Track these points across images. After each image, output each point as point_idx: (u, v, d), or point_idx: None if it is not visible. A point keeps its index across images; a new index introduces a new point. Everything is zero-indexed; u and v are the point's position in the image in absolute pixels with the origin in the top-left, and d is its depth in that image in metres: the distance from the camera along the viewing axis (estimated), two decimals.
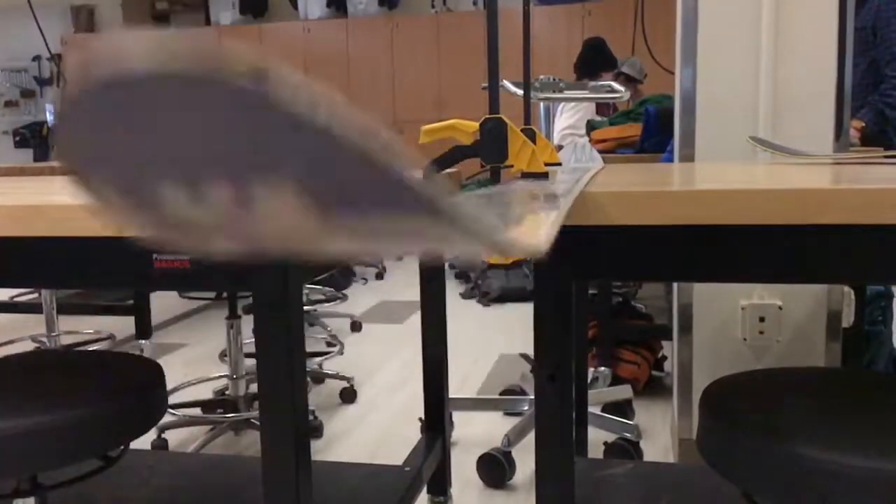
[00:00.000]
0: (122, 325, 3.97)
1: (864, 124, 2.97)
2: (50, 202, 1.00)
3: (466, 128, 1.06)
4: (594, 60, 4.19)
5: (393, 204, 0.20)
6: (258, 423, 1.04)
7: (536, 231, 0.35)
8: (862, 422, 0.93)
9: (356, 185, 0.20)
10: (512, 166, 1.06)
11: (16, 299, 4.36)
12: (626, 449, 2.29)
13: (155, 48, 0.18)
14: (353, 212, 0.21)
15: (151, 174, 0.21)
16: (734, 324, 2.04)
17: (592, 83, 2.70)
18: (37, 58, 8.57)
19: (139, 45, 0.18)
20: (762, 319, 1.99)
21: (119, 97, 0.19)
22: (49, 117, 8.68)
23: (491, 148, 1.02)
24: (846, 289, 2.01)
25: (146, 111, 0.19)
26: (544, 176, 1.05)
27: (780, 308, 1.98)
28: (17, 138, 8.76)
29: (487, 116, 1.04)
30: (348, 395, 2.98)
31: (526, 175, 1.05)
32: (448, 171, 1.21)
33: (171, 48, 0.18)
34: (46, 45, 3.30)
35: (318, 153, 0.19)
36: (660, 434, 2.54)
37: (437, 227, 0.21)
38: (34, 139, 8.72)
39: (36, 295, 4.15)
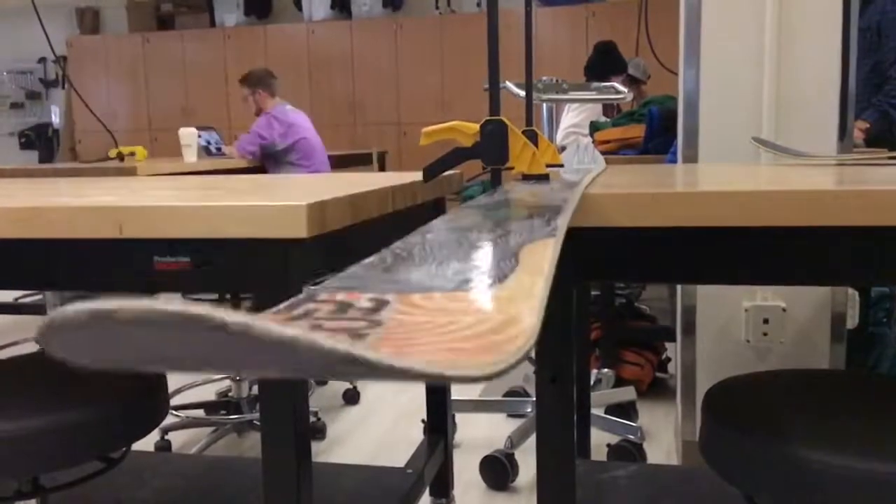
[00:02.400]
0: None
1: (868, 125, 2.96)
2: (54, 204, 1.00)
3: (467, 129, 1.06)
4: (604, 64, 4.18)
5: (374, 376, 0.25)
6: (260, 424, 1.04)
7: (520, 313, 0.34)
8: (866, 424, 0.93)
9: (334, 371, 0.24)
10: (513, 168, 1.05)
11: (19, 301, 4.37)
12: (629, 451, 2.29)
13: (137, 306, 0.21)
14: (337, 377, 0.26)
15: (146, 366, 0.25)
16: (738, 326, 2.03)
17: (597, 84, 2.69)
18: (42, 60, 8.59)
19: (124, 302, 0.22)
20: (766, 321, 1.98)
21: (101, 327, 0.22)
22: (54, 119, 8.70)
23: (491, 150, 1.02)
24: (850, 290, 2.00)
25: (130, 338, 0.23)
26: (545, 178, 1.05)
27: (783, 310, 1.97)
28: (23, 140, 8.78)
29: (488, 118, 1.04)
30: (351, 397, 2.98)
31: (527, 177, 1.05)
32: (449, 172, 1.21)
33: (153, 307, 0.21)
34: (51, 47, 3.30)
35: (299, 358, 0.23)
36: (663, 436, 2.53)
37: (410, 379, 0.25)
38: (39, 141, 8.75)
39: (40, 297, 4.16)
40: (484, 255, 0.44)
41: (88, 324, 0.22)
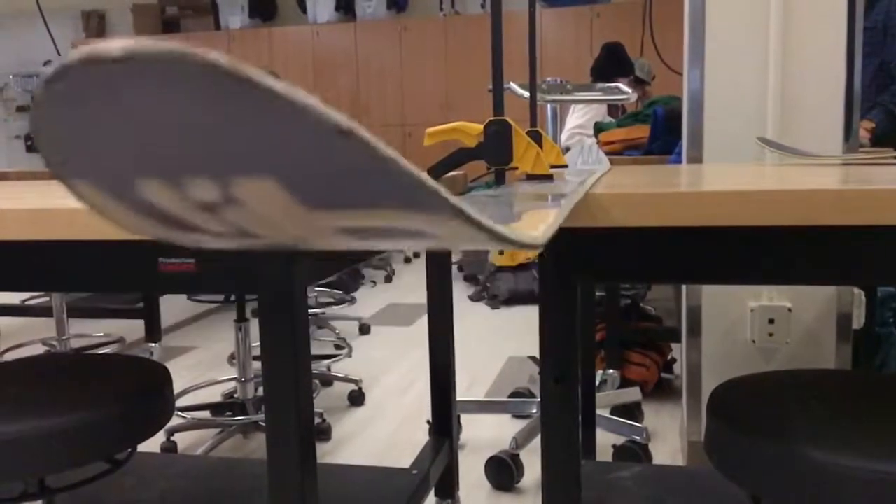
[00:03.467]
0: (132, 329, 3.99)
1: (874, 125, 2.95)
2: (59, 206, 1.01)
3: (471, 130, 1.06)
4: (610, 65, 4.18)
5: (386, 199, 0.20)
6: (265, 425, 1.04)
7: (536, 224, 0.34)
8: (872, 425, 0.92)
9: (344, 181, 0.20)
10: (517, 168, 1.05)
11: (27, 303, 4.39)
12: (634, 452, 2.28)
13: (130, 42, 0.19)
14: (343, 209, 0.21)
15: (131, 173, 0.21)
16: (743, 326, 2.02)
17: (601, 85, 2.69)
18: (48, 63, 8.61)
19: (115, 42, 0.19)
20: (771, 321, 1.98)
21: (93, 81, 0.19)
22: None
23: (495, 150, 1.02)
24: (856, 290, 2.00)
25: (120, 97, 0.19)
26: (549, 178, 1.05)
27: (789, 310, 1.97)
28: (29, 143, 8.81)
29: (492, 119, 1.04)
30: (356, 398, 2.99)
31: (531, 177, 1.05)
32: (453, 173, 1.21)
33: (145, 42, 0.19)
34: (57, 50, 3.32)
35: (300, 147, 0.19)
36: (669, 437, 2.53)
37: (433, 222, 0.21)
38: None
39: (46, 298, 4.17)
40: (492, 213, 0.44)
41: (78, 70, 0.19)
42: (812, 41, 1.91)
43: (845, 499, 0.84)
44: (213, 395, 3.04)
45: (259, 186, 0.21)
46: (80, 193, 0.23)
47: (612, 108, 4.16)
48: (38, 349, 3.83)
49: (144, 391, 1.18)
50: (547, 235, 0.29)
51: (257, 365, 2.83)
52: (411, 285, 5.54)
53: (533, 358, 3.36)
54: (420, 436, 2.62)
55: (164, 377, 1.24)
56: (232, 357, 3.43)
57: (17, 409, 1.08)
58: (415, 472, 1.66)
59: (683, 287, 2.15)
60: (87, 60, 0.19)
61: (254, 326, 2.62)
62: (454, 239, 0.23)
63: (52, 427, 1.05)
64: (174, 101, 0.19)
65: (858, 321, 2.01)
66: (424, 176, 0.21)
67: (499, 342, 3.85)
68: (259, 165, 0.20)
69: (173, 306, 4.66)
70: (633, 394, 2.63)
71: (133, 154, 0.20)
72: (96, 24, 8.30)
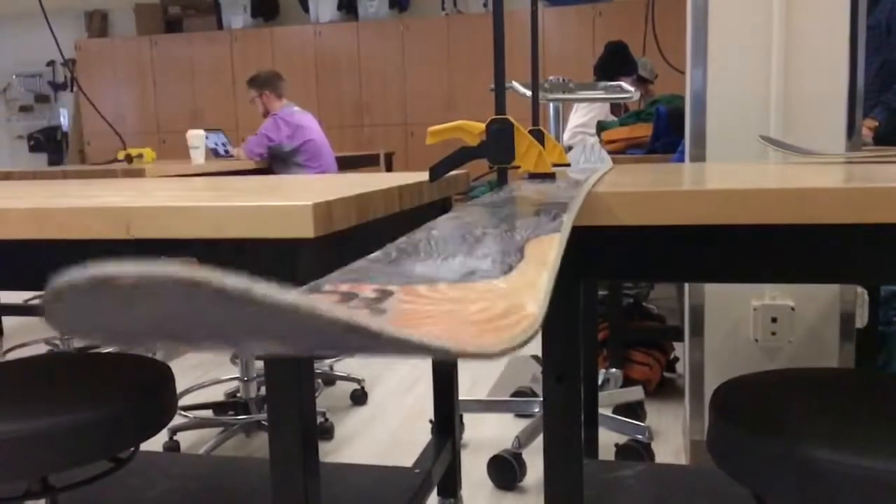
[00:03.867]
0: None
1: (876, 123, 2.95)
2: (63, 205, 1.01)
3: (473, 129, 1.06)
4: (614, 64, 4.17)
5: (377, 352, 0.25)
6: (268, 425, 1.04)
7: (529, 288, 0.34)
8: (875, 423, 0.92)
9: (346, 349, 0.25)
10: (519, 167, 1.05)
11: (29, 302, 4.39)
12: (637, 451, 2.28)
13: (141, 270, 0.21)
14: (336, 352, 0.26)
15: (140, 338, 0.24)
16: (746, 325, 2.02)
17: (604, 84, 2.69)
18: (51, 63, 8.64)
19: (125, 269, 0.21)
20: (774, 320, 1.97)
21: (102, 294, 0.22)
22: (63, 122, 8.74)
23: (497, 149, 1.02)
24: (859, 289, 1.99)
25: (127, 307, 0.22)
26: (551, 177, 1.05)
27: (792, 309, 1.96)
28: (32, 143, 8.83)
29: (494, 117, 1.04)
30: (359, 397, 2.99)
31: (533, 176, 1.05)
32: (454, 172, 1.21)
33: (154, 270, 0.21)
34: (60, 50, 3.32)
35: (310, 335, 0.23)
36: (672, 436, 2.53)
37: (412, 354, 0.25)
38: (48, 143, 8.79)
39: None
40: (489, 250, 0.44)
41: (88, 289, 0.21)
42: (815, 40, 1.90)
43: (848, 497, 0.84)
44: (216, 394, 3.04)
45: (268, 346, 0.24)
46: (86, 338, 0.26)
47: (615, 107, 4.16)
48: (42, 348, 3.83)
49: (147, 390, 1.18)
50: (536, 325, 0.30)
51: (260, 364, 2.83)
52: None
53: (535, 357, 3.36)
54: (422, 435, 2.62)
55: (167, 376, 1.25)
56: (234, 356, 3.44)
57: (21, 408, 1.08)
58: (417, 471, 1.66)
59: (686, 286, 2.15)
60: (97, 284, 0.21)
61: None
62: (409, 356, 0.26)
63: (55, 426, 1.05)
64: (185, 309, 0.22)
65: (861, 320, 2.00)
66: (415, 337, 0.24)
67: None
68: (270, 339, 0.24)
69: None
70: (636, 393, 2.62)
71: (148, 332, 0.24)
72: (99, 24, 8.31)
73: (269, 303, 0.22)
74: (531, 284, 0.34)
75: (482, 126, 1.05)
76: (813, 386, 1.06)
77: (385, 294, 0.31)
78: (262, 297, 0.22)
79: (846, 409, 0.96)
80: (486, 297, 0.32)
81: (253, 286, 0.22)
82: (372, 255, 0.42)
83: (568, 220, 0.54)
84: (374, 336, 0.23)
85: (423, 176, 1.46)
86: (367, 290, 0.32)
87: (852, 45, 1.89)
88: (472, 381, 3.20)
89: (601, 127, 3.25)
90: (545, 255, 0.41)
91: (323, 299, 0.23)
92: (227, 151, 4.19)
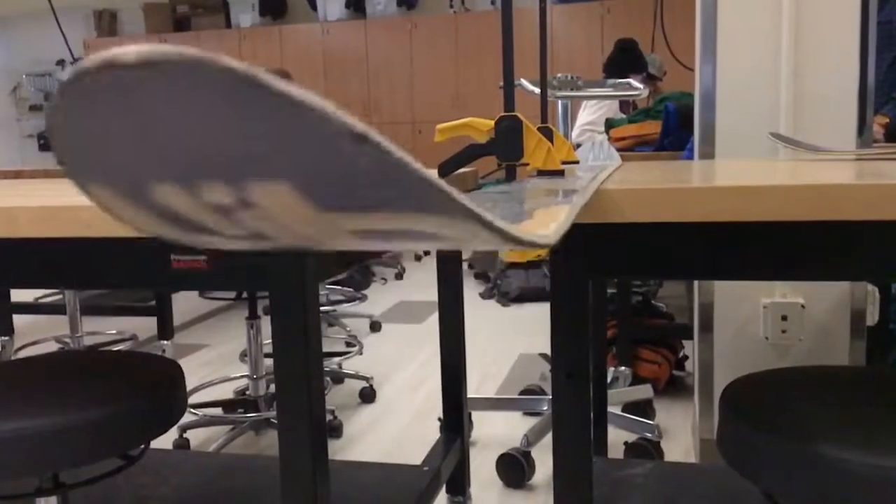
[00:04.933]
0: (145, 326, 4.01)
1: (887, 120, 2.93)
2: (72, 204, 1.01)
3: (482, 126, 1.05)
4: (623, 62, 4.16)
5: (398, 202, 0.21)
6: (277, 422, 1.04)
7: (547, 223, 0.34)
8: (886, 421, 0.92)
9: (357, 184, 0.20)
10: (527, 164, 1.05)
11: (40, 300, 4.42)
12: (646, 449, 2.28)
13: (145, 48, 0.19)
14: (355, 211, 0.21)
15: (145, 176, 0.21)
16: (756, 322, 2.01)
17: (612, 81, 2.68)
18: (60, 62, 8.67)
19: (130, 47, 0.19)
20: (784, 318, 1.96)
21: (109, 86, 0.19)
22: None
23: (506, 146, 1.02)
24: (870, 286, 1.98)
25: (136, 102, 0.20)
26: (560, 174, 1.04)
27: (802, 306, 1.96)
28: (42, 141, 8.87)
29: (503, 115, 1.04)
30: (368, 395, 2.99)
31: (542, 173, 1.05)
32: (463, 169, 1.21)
33: (161, 48, 0.19)
34: (69, 49, 3.33)
35: (313, 151, 0.20)
36: (681, 434, 2.52)
37: (445, 224, 0.22)
38: None
39: (60, 296, 4.20)
40: (499, 213, 0.43)
41: (97, 73, 0.20)
42: (825, 36, 1.89)
43: (859, 496, 0.83)
44: (225, 392, 3.05)
45: (273, 190, 0.21)
46: (92, 195, 0.23)
47: (624, 105, 4.15)
48: (52, 346, 3.85)
49: (158, 388, 1.18)
50: (558, 234, 0.29)
51: (269, 362, 2.84)
52: (422, 283, 5.55)
53: (544, 355, 3.35)
54: (431, 433, 2.62)
55: (177, 374, 1.25)
56: (244, 354, 3.45)
57: (32, 405, 1.09)
58: (426, 468, 1.66)
59: (695, 283, 2.14)
60: (102, 66, 0.19)
61: (265, 324, 2.63)
62: (466, 240, 0.24)
63: (66, 423, 1.06)
64: (189, 105, 0.19)
65: (872, 318, 1.99)
66: (436, 178, 0.21)
67: (509, 339, 3.84)
68: (273, 169, 0.20)
69: (185, 304, 4.69)
70: (645, 391, 2.62)
71: (148, 158, 0.21)
72: (108, 23, 8.34)
73: (278, 90, 0.19)
74: (553, 217, 0.33)
75: (491, 123, 1.05)
76: (824, 384, 1.05)
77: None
78: (268, 81, 0.19)
79: (857, 407, 0.96)
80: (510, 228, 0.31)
81: (260, 72, 0.19)
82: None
83: (578, 200, 0.53)
84: (391, 158, 0.20)
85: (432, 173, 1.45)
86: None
87: (863, 41, 1.88)
88: (481, 380, 3.20)
89: (610, 124, 3.25)
90: (554, 213, 0.41)
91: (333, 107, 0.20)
92: None
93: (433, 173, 0.22)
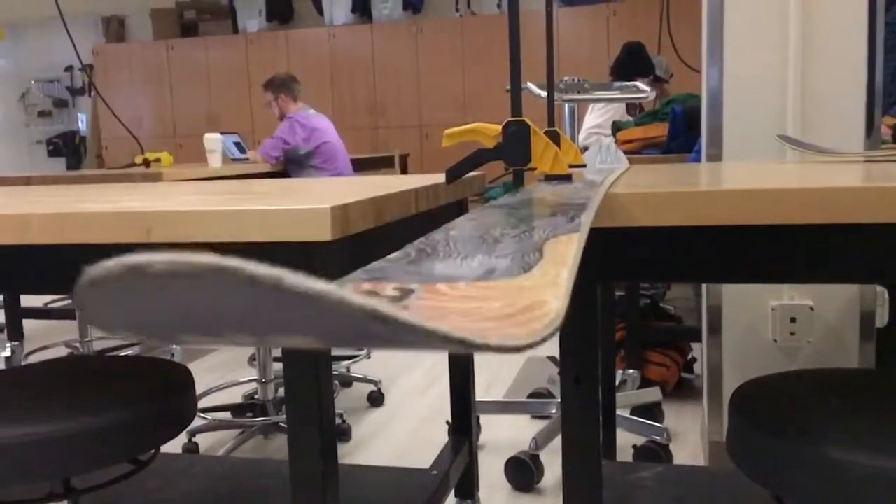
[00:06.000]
0: None
1: (895, 121, 2.92)
2: (81, 210, 1.02)
3: (489, 131, 1.06)
4: (630, 65, 4.16)
5: (403, 344, 0.25)
6: (287, 426, 1.05)
7: (554, 279, 0.34)
8: None
9: (369, 339, 0.25)
10: (535, 168, 1.05)
11: (49, 305, 4.44)
12: (655, 452, 2.27)
13: (173, 257, 0.22)
14: (360, 343, 0.26)
15: (172, 331, 0.25)
16: (764, 325, 2.01)
17: (619, 84, 2.68)
18: (69, 68, 8.72)
19: (157, 256, 0.22)
20: (793, 320, 1.96)
21: (134, 283, 0.22)
22: (81, 126, 8.83)
23: (514, 150, 1.02)
24: (879, 288, 1.98)
25: (163, 296, 0.23)
26: (568, 178, 1.05)
27: (811, 309, 1.95)
28: (51, 147, 8.93)
29: (510, 119, 1.04)
30: (376, 399, 2.99)
31: (549, 177, 1.05)
32: (471, 174, 1.21)
33: (187, 258, 0.22)
34: (78, 55, 3.35)
35: (334, 323, 0.24)
36: (690, 437, 2.51)
37: (434, 346, 0.25)
38: (67, 148, 8.88)
39: (68, 301, 4.22)
40: (508, 249, 0.44)
41: (122, 277, 0.22)
42: (832, 37, 1.89)
43: (870, 499, 0.83)
44: (234, 396, 3.06)
45: (292, 339, 0.25)
46: (117, 334, 0.26)
47: (630, 107, 4.14)
48: (62, 351, 3.87)
49: (167, 392, 1.19)
50: (557, 323, 0.30)
51: (277, 366, 2.85)
52: None
53: (552, 358, 3.35)
54: (439, 436, 2.62)
55: (187, 378, 1.26)
56: (252, 358, 3.45)
57: (43, 410, 1.09)
58: (434, 472, 1.66)
59: (704, 286, 2.14)
60: (130, 272, 0.22)
61: None
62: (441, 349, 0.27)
63: (77, 428, 1.06)
64: (217, 299, 0.22)
65: (882, 320, 1.99)
66: (441, 328, 0.24)
67: None
68: (295, 330, 0.24)
69: None
70: (654, 394, 2.61)
71: (176, 324, 0.24)
72: (116, 29, 8.39)
73: (299, 291, 0.22)
74: (552, 282, 0.34)
75: (498, 128, 1.05)
76: (833, 386, 1.05)
77: (406, 292, 0.32)
78: (291, 285, 0.22)
79: (867, 410, 0.96)
80: (507, 295, 0.32)
81: (283, 274, 0.22)
82: (391, 256, 0.42)
83: (586, 221, 0.54)
84: (400, 325, 0.23)
85: (439, 178, 1.46)
86: (388, 289, 0.32)
87: (870, 42, 1.87)
88: (489, 383, 3.20)
89: (617, 127, 3.24)
90: (564, 254, 0.41)
91: (351, 290, 0.23)
92: (240, 148, 4.22)
93: (444, 315, 0.25)
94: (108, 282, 0.22)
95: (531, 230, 0.50)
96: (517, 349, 0.26)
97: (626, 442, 2.39)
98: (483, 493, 2.14)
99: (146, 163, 3.49)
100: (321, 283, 0.22)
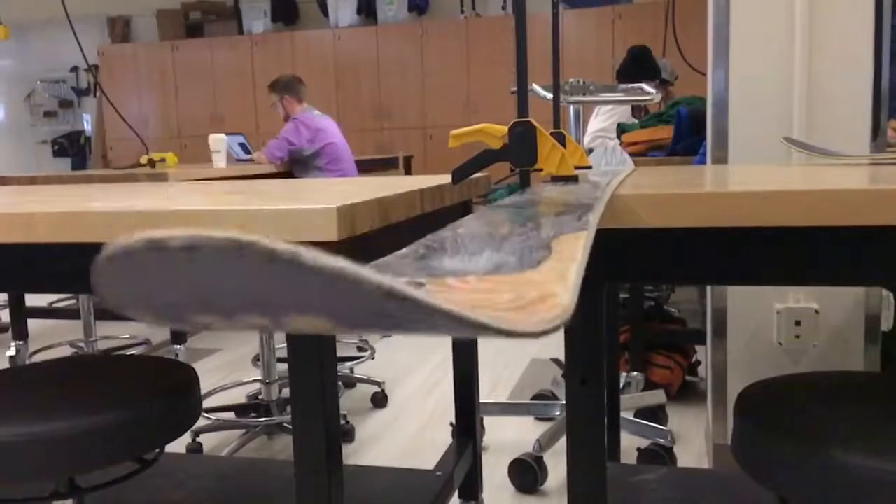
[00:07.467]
0: (158, 331, 4.03)
1: None
2: (86, 209, 1.02)
3: (495, 132, 1.06)
4: (636, 68, 4.15)
5: (420, 328, 0.25)
6: (291, 427, 1.05)
7: (563, 274, 0.34)
8: None
9: (384, 319, 0.24)
10: (541, 170, 1.05)
11: (54, 305, 4.45)
12: (659, 454, 2.27)
13: (193, 233, 0.22)
14: (378, 328, 0.26)
15: (186, 311, 0.24)
16: (769, 328, 2.01)
17: (624, 86, 2.68)
18: (74, 69, 8.75)
19: (177, 232, 0.22)
20: (798, 323, 1.96)
21: (153, 258, 0.22)
22: (86, 126, 8.85)
23: (520, 151, 1.02)
24: (885, 291, 1.97)
25: (179, 272, 0.23)
26: (574, 179, 1.05)
27: (816, 312, 1.95)
28: (56, 147, 8.95)
29: (516, 120, 1.04)
30: (379, 400, 2.99)
31: (555, 178, 1.05)
32: (476, 175, 1.22)
33: (208, 235, 0.22)
34: (84, 56, 3.36)
35: (351, 300, 0.23)
36: (694, 439, 2.51)
37: (446, 330, 0.25)
38: (72, 148, 8.90)
39: (74, 301, 4.23)
40: (516, 246, 0.44)
41: (142, 251, 0.22)
42: (838, 39, 1.89)
43: (874, 502, 0.83)
44: (238, 396, 3.06)
45: (308, 320, 0.24)
46: (131, 315, 0.26)
47: (636, 110, 4.14)
48: (66, 351, 3.88)
49: (172, 392, 1.19)
50: (564, 315, 0.30)
51: (282, 367, 2.85)
52: None
53: (556, 360, 3.35)
54: (443, 438, 2.62)
55: (192, 378, 1.26)
56: (256, 359, 3.46)
57: (48, 409, 1.10)
58: (438, 473, 1.66)
59: (708, 288, 2.13)
60: (150, 246, 0.22)
61: None
62: (460, 334, 0.27)
63: (81, 427, 1.07)
64: (233, 274, 0.22)
65: (887, 323, 1.98)
66: (456, 309, 0.24)
67: (521, 345, 3.84)
68: (311, 309, 0.24)
69: None
70: (658, 396, 2.61)
71: (190, 302, 0.24)
72: (121, 29, 8.41)
73: (317, 267, 0.22)
74: (561, 276, 0.34)
75: (504, 129, 1.05)
76: (838, 389, 1.05)
77: (416, 285, 0.32)
78: (310, 260, 0.22)
79: (872, 413, 0.95)
80: (516, 288, 0.32)
81: (301, 250, 0.22)
82: (399, 252, 0.42)
83: (594, 219, 0.54)
84: (416, 304, 0.23)
85: (443, 179, 1.46)
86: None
87: (877, 45, 1.87)
88: (493, 385, 3.20)
89: (622, 129, 3.24)
90: (573, 250, 0.41)
91: (368, 270, 0.24)
92: (244, 147, 4.23)
93: (456, 304, 0.25)
94: (128, 257, 0.22)
95: (539, 228, 0.50)
96: (532, 334, 0.26)
97: (630, 444, 2.39)
98: (487, 494, 2.14)
99: (151, 163, 3.50)
100: (339, 259, 0.22)
